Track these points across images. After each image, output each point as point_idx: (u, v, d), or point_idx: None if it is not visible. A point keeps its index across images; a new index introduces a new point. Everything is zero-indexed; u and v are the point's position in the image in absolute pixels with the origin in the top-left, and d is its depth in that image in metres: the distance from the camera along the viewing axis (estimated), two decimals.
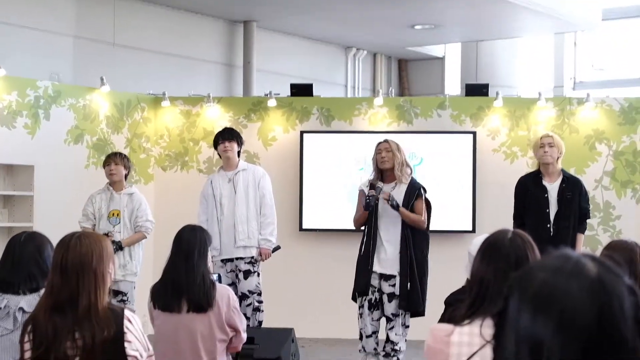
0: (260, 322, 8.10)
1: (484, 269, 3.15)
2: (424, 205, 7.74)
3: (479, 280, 3.15)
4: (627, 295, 1.58)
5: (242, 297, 8.03)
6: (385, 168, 7.70)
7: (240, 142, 8.40)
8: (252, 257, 8.15)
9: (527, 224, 7.71)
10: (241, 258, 8.14)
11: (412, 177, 7.82)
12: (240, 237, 8.13)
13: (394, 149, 7.70)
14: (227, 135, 8.33)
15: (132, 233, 8.21)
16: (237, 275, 8.16)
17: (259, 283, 8.17)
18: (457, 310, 3.23)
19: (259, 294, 8.15)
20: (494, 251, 3.16)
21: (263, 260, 8.22)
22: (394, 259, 7.66)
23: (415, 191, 7.70)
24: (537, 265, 1.64)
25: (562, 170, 7.94)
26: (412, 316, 7.78)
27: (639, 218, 9.92)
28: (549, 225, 7.68)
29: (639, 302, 1.59)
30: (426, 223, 7.78)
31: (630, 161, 10.09)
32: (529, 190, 7.85)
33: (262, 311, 8.14)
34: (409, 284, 7.62)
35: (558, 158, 7.86)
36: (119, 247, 7.97)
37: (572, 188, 7.79)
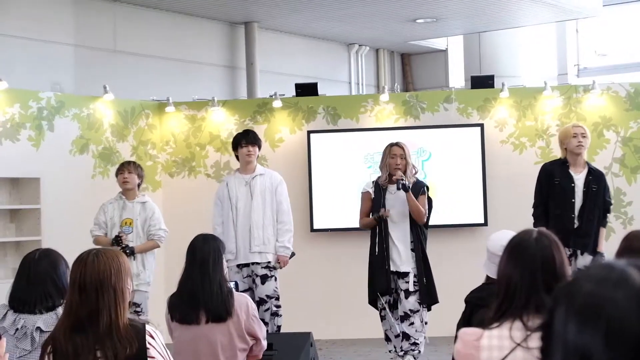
0: (279, 327, 8.08)
1: (511, 270, 3.11)
2: (426, 202, 7.88)
3: (506, 282, 3.12)
4: None
5: (260, 302, 8.01)
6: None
7: (260, 146, 8.37)
8: (269, 262, 8.11)
9: (550, 212, 7.70)
10: (257, 263, 8.11)
11: (416, 177, 7.97)
12: (255, 243, 8.09)
13: (407, 155, 7.84)
14: (252, 139, 8.26)
15: (145, 242, 8.17)
16: (254, 281, 8.12)
17: (276, 287, 8.14)
18: (484, 312, 3.19)
19: (277, 299, 8.12)
20: (520, 252, 3.13)
21: (281, 268, 8.20)
22: (407, 256, 7.79)
23: (419, 189, 7.85)
24: (582, 276, 1.63)
25: (587, 162, 7.89)
26: (429, 309, 7.84)
27: None
28: (573, 216, 7.61)
29: None
30: (426, 218, 7.82)
31: (638, 147, 10.05)
32: (554, 178, 7.75)
33: (280, 315, 8.12)
34: (424, 279, 7.73)
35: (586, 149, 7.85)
36: (131, 252, 7.94)
37: (597, 181, 7.73)
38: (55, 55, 10.37)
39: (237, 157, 8.35)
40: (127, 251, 7.87)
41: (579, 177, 7.70)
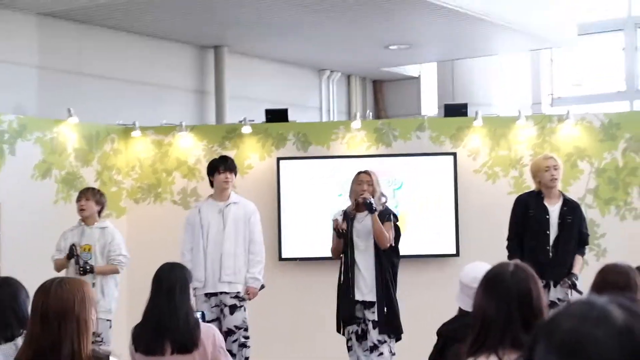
0: (246, 358, 8.04)
1: (487, 304, 3.12)
2: (392, 229, 7.87)
3: (481, 316, 3.12)
4: None
5: (228, 333, 7.97)
6: None
7: (236, 173, 8.35)
8: (238, 292, 8.07)
9: (525, 244, 7.72)
10: (226, 293, 8.06)
11: (385, 205, 7.95)
12: (226, 272, 8.05)
13: (375, 182, 7.85)
14: (230, 166, 8.25)
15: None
16: (222, 310, 8.08)
17: (245, 318, 8.10)
18: (459, 347, 3.19)
19: (246, 329, 8.08)
20: (496, 285, 3.14)
21: (250, 299, 8.16)
22: (373, 285, 7.79)
23: (385, 215, 7.85)
24: (562, 313, 1.62)
25: (561, 193, 7.94)
26: (397, 340, 7.83)
27: (624, 235, 9.92)
28: (548, 248, 7.64)
29: None
30: (391, 243, 7.84)
31: (612, 178, 10.12)
32: (529, 209, 7.79)
33: (249, 347, 8.08)
34: (385, 308, 7.72)
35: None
36: (90, 270, 7.91)
37: (572, 212, 7.78)
38: (18, 77, 10.28)
39: (211, 182, 8.31)
40: (87, 267, 7.86)
41: (554, 209, 7.74)
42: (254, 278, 8.11)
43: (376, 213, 7.73)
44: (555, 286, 7.55)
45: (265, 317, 9.56)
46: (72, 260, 8.04)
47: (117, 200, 10.33)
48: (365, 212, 7.82)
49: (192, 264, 7.99)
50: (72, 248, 8.00)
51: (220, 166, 8.21)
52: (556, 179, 7.74)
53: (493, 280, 3.17)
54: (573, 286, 7.54)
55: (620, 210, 10.06)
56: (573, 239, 7.74)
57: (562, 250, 7.65)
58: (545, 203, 7.76)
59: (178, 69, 12.02)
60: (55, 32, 10.58)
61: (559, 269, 7.57)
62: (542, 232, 7.67)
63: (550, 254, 7.60)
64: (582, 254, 7.86)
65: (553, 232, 7.68)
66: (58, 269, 8.10)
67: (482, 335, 3.10)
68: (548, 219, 7.70)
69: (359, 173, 8.00)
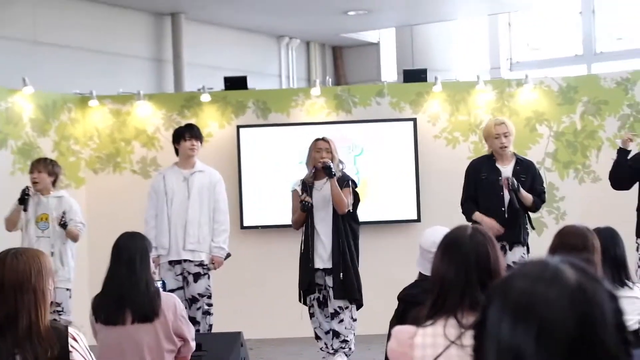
0: (210, 326, 8.06)
1: (445, 267, 3.13)
2: (350, 195, 7.91)
3: (440, 280, 3.13)
4: (608, 301, 1.58)
5: (192, 301, 8.00)
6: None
7: (202, 141, 8.32)
8: (202, 261, 8.06)
9: (480, 207, 7.71)
10: (190, 261, 8.05)
11: (343, 172, 7.99)
12: (190, 241, 8.03)
13: (333, 149, 7.89)
14: (196, 134, 8.21)
15: (62, 236, 8.07)
16: (185, 278, 8.07)
17: (209, 286, 8.10)
18: (419, 310, 3.20)
19: (209, 297, 8.08)
20: (455, 249, 3.14)
21: (215, 269, 8.16)
22: (331, 252, 7.83)
23: (343, 181, 7.89)
24: (516, 273, 1.63)
25: (515, 154, 7.90)
26: (358, 307, 7.88)
27: (583, 198, 10.01)
28: (503, 209, 7.62)
29: (619, 308, 1.59)
30: (349, 209, 7.87)
31: (571, 141, 10.19)
32: (482, 173, 7.77)
33: (212, 314, 8.10)
34: (341, 274, 7.76)
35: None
36: (64, 225, 7.93)
37: (526, 171, 7.77)
38: None
39: (176, 150, 8.25)
40: (63, 222, 7.94)
41: (506, 170, 7.72)
42: (219, 247, 8.11)
43: (335, 178, 7.76)
44: (511, 249, 7.58)
45: (226, 285, 9.56)
46: (24, 210, 7.99)
47: (76, 170, 10.25)
48: (324, 180, 7.85)
49: (156, 231, 7.99)
50: (25, 190, 7.96)
51: (186, 133, 8.17)
52: (506, 147, 7.72)
53: (451, 245, 3.18)
54: (512, 186, 7.58)
55: (579, 173, 10.14)
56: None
57: (516, 209, 7.66)
58: (498, 165, 7.76)
59: (135, 36, 11.91)
60: (8, 1, 10.44)
61: (514, 231, 7.60)
62: (496, 194, 7.67)
63: (506, 214, 7.62)
64: (537, 203, 7.82)
65: (507, 193, 7.68)
66: (10, 224, 8.05)
67: (441, 299, 3.11)
68: (500, 181, 7.72)
69: (317, 140, 8.04)
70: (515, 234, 7.59)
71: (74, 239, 8.13)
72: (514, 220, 7.62)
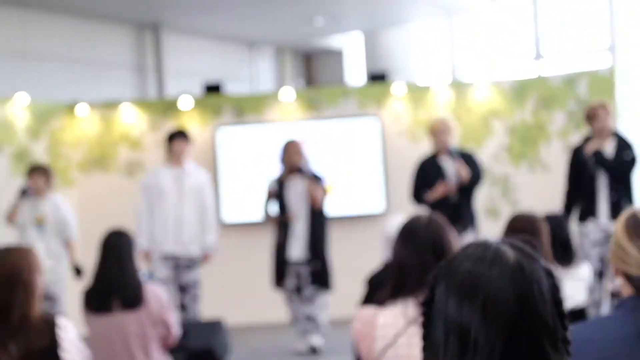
0: (197, 311, 8.07)
1: (404, 253, 3.14)
2: (322, 191, 8.06)
3: (399, 264, 3.15)
4: (545, 278, 1.60)
5: (183, 289, 8.03)
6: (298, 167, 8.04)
7: (190, 142, 8.30)
8: (192, 256, 8.06)
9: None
10: (181, 255, 8.05)
11: (311, 170, 8.15)
12: (183, 237, 8.02)
13: (303, 150, 8.10)
14: (184, 136, 8.20)
15: (57, 239, 8.05)
16: (177, 269, 8.05)
17: (198, 276, 8.13)
18: (381, 292, 3.21)
19: (198, 286, 8.11)
20: (412, 236, 3.16)
21: (205, 263, 8.19)
22: (306, 244, 7.87)
23: (317, 180, 8.04)
24: (460, 255, 1.64)
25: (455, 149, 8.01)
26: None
27: (534, 187, 10.06)
28: (450, 202, 7.70)
29: (556, 284, 1.61)
30: (322, 204, 8.06)
31: (522, 135, 10.24)
32: (427, 171, 7.87)
33: (199, 302, 8.12)
34: (316, 263, 7.97)
35: None
36: (79, 271, 8.07)
37: (467, 162, 7.83)
38: None
39: (169, 150, 8.23)
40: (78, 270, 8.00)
41: (449, 165, 7.85)
42: (209, 243, 8.12)
43: (311, 178, 7.89)
44: (465, 229, 7.65)
45: (209, 278, 9.53)
46: (23, 204, 7.96)
47: (67, 173, 10.21)
48: (297, 177, 7.97)
49: (148, 226, 7.99)
50: (24, 191, 7.97)
51: (177, 136, 8.18)
52: (446, 144, 7.81)
53: (409, 231, 3.19)
54: (450, 153, 7.75)
55: (531, 164, 10.19)
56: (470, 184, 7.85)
57: (463, 198, 7.76)
58: (440, 163, 7.85)
59: (119, 47, 11.86)
60: (0, 16, 10.36)
61: (461, 217, 7.66)
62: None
63: (453, 201, 7.72)
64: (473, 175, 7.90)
65: (453, 186, 7.77)
66: (10, 218, 8.01)
67: (401, 282, 3.13)
68: (444, 175, 7.79)
69: (289, 142, 8.17)
70: (463, 222, 7.66)
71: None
72: (461, 207, 7.70)
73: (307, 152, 8.19)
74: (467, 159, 7.92)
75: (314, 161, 8.43)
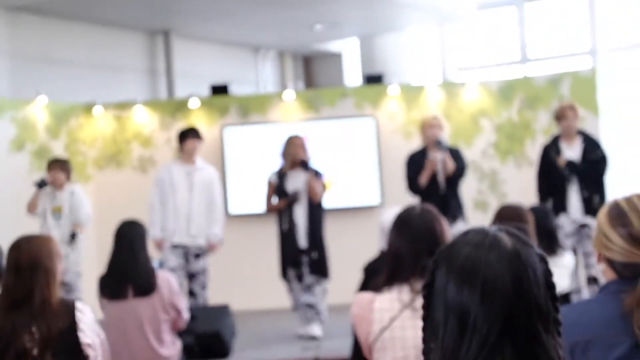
0: (206, 298, 8.06)
1: (399, 242, 3.13)
2: (321, 185, 7.98)
3: (394, 252, 3.14)
4: (539, 263, 1.61)
5: (192, 276, 8.02)
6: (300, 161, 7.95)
7: (201, 142, 8.26)
8: (200, 246, 8.05)
9: (422, 191, 7.80)
10: (190, 245, 8.04)
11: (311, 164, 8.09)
12: (192, 228, 8.01)
13: (306, 145, 8.01)
14: (198, 136, 8.17)
15: (73, 227, 8.06)
16: (186, 258, 8.05)
17: (206, 264, 8.12)
18: (377, 279, 3.20)
19: (206, 274, 8.10)
20: (406, 226, 3.14)
21: (211, 252, 8.16)
22: (306, 234, 7.87)
23: (319, 175, 7.95)
24: (459, 241, 1.64)
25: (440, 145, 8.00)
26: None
27: (520, 181, 10.05)
28: (439, 193, 7.69)
29: (548, 269, 1.62)
30: (321, 198, 7.98)
31: (509, 132, 10.23)
32: (417, 164, 7.84)
33: (207, 288, 8.11)
34: (315, 253, 7.85)
35: None
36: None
37: (454, 157, 7.82)
38: None
39: (181, 148, 8.22)
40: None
41: (437, 155, 7.80)
42: (215, 234, 8.10)
43: (312, 172, 7.84)
44: (455, 220, 7.63)
45: (216, 266, 9.54)
46: (43, 195, 7.96)
47: (84, 168, 10.22)
48: (298, 171, 7.91)
49: (161, 217, 7.98)
50: (43, 179, 7.96)
51: (190, 134, 8.16)
52: (435, 138, 7.78)
53: (403, 221, 3.18)
54: (438, 144, 7.72)
55: (517, 159, 10.19)
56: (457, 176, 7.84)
57: (451, 190, 7.75)
58: (429, 155, 7.82)
59: (132, 52, 11.85)
60: (22, 23, 10.37)
61: (450, 208, 7.65)
62: (432, 180, 7.74)
63: (441, 192, 7.69)
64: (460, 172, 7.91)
65: (441, 179, 7.72)
66: (31, 207, 8.02)
67: (396, 269, 3.12)
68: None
69: (292, 137, 8.08)
70: (452, 212, 7.64)
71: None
72: (450, 198, 7.69)
73: (309, 147, 8.13)
74: (453, 153, 7.93)
75: (314, 158, 8.36)
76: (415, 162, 7.91)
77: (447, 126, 8.24)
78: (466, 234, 1.66)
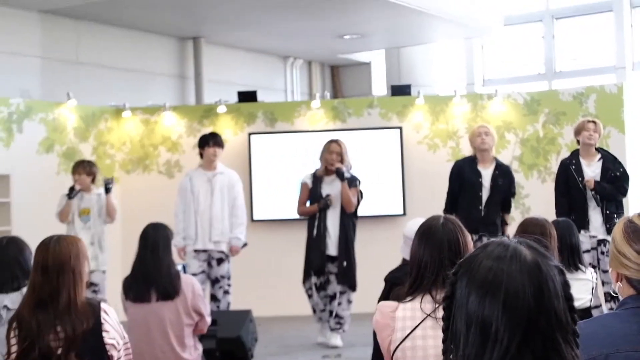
0: (229, 303, 8.07)
1: (421, 252, 3.13)
2: (357, 193, 7.87)
3: (417, 262, 3.13)
4: (558, 275, 1.62)
5: (215, 281, 8.05)
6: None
7: (223, 148, 8.28)
8: (223, 251, 8.06)
9: (460, 204, 7.58)
10: (213, 250, 8.06)
11: (350, 173, 7.87)
12: (215, 233, 8.04)
13: (344, 152, 7.83)
14: (219, 142, 8.19)
15: (101, 228, 8.09)
16: (209, 263, 8.08)
17: (229, 269, 8.12)
18: (400, 288, 3.20)
19: (229, 278, 8.10)
20: (429, 236, 3.14)
21: (233, 256, 8.16)
22: (337, 242, 7.74)
23: (352, 182, 7.85)
24: (480, 254, 1.65)
25: (495, 158, 7.79)
26: (353, 290, 7.85)
27: (544, 196, 9.98)
28: (480, 207, 7.52)
29: (566, 281, 1.63)
30: (355, 207, 7.78)
31: (534, 147, 10.19)
32: (464, 173, 7.61)
33: (230, 293, 8.10)
34: (345, 262, 7.67)
35: (492, 147, 7.73)
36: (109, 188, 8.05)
37: (503, 175, 7.65)
38: (24, 66, 10.16)
39: (201, 154, 8.25)
40: (109, 186, 8.01)
41: (487, 172, 7.61)
42: (237, 238, 8.11)
43: (346, 182, 7.72)
44: (480, 239, 7.45)
45: (240, 270, 9.56)
46: (73, 201, 8.00)
47: (111, 171, 10.26)
48: (333, 177, 7.82)
49: (184, 224, 8.01)
50: (72, 187, 8.00)
51: (210, 141, 8.18)
52: (485, 142, 7.56)
53: (426, 231, 3.18)
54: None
55: (541, 174, 10.14)
56: (501, 199, 7.63)
57: (492, 209, 7.52)
58: (479, 167, 7.61)
59: (162, 57, 11.92)
60: (55, 26, 10.46)
61: (489, 226, 7.43)
62: (475, 193, 7.48)
63: (482, 212, 7.47)
64: (509, 211, 7.76)
65: (485, 193, 7.52)
66: (63, 217, 8.05)
67: (419, 278, 3.12)
68: (480, 182, 7.54)
69: (331, 142, 7.97)
70: (490, 230, 7.43)
71: (111, 213, 8.10)
72: (491, 217, 7.54)
73: (348, 154, 7.95)
74: (504, 170, 7.68)
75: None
76: (460, 177, 7.61)
77: (494, 137, 7.95)
78: (486, 246, 1.66)
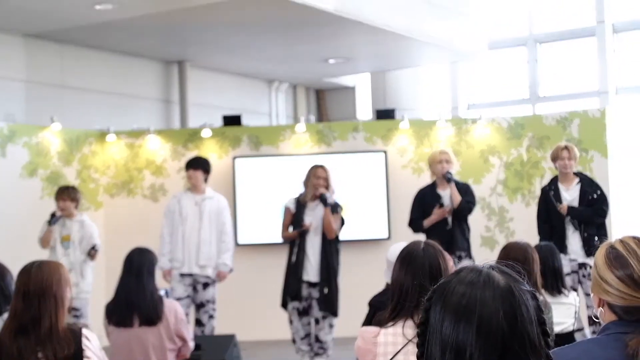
0: (213, 328, 8.04)
1: (403, 277, 3.14)
2: (339, 219, 7.84)
3: (398, 287, 3.15)
4: (530, 300, 1.63)
5: (200, 306, 8.02)
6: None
7: (206, 170, 8.21)
8: (208, 275, 8.04)
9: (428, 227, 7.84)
10: (199, 274, 8.04)
11: (333, 198, 7.88)
12: (202, 258, 8.01)
13: (329, 178, 7.82)
14: (194, 164, 8.16)
15: (81, 256, 8.02)
16: (194, 288, 8.05)
17: (214, 294, 8.10)
18: (382, 313, 3.22)
19: (214, 303, 8.08)
20: (410, 261, 3.16)
21: (220, 282, 8.14)
22: (318, 268, 7.70)
23: (335, 208, 7.82)
24: (453, 280, 1.66)
25: (452, 180, 7.96)
26: (335, 315, 7.82)
27: (529, 219, 9.99)
28: (447, 228, 7.75)
29: (539, 305, 1.64)
30: (336, 234, 7.79)
31: (518, 170, 10.25)
32: (426, 199, 7.88)
33: (215, 318, 8.07)
34: (326, 289, 7.66)
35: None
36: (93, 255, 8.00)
37: (462, 193, 7.82)
38: (8, 90, 10.14)
39: (187, 177, 8.26)
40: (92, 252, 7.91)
41: (446, 193, 7.83)
42: (224, 264, 8.08)
43: (329, 207, 7.69)
44: (460, 260, 7.65)
45: (224, 294, 9.53)
46: (54, 227, 7.95)
47: (95, 195, 10.25)
48: (316, 202, 7.78)
49: (171, 246, 7.99)
50: (54, 214, 7.95)
51: (191, 164, 8.18)
52: (443, 171, 7.80)
53: (407, 256, 3.20)
54: (447, 177, 7.74)
55: (525, 197, 10.19)
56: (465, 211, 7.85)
57: (458, 226, 7.78)
58: (438, 191, 7.87)
59: (147, 81, 11.93)
60: (39, 50, 10.46)
61: (457, 243, 7.69)
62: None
63: (449, 226, 7.74)
64: (464, 202, 7.87)
65: (448, 215, 7.79)
66: (45, 243, 8.00)
67: (400, 303, 3.13)
68: (442, 203, 7.80)
69: (317, 167, 7.92)
70: (459, 246, 7.68)
71: (92, 259, 8.11)
72: (456, 235, 7.72)
73: (332, 179, 7.95)
74: (463, 188, 7.93)
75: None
76: (422, 202, 7.92)
77: (457, 162, 8.21)
78: (459, 271, 1.68)
